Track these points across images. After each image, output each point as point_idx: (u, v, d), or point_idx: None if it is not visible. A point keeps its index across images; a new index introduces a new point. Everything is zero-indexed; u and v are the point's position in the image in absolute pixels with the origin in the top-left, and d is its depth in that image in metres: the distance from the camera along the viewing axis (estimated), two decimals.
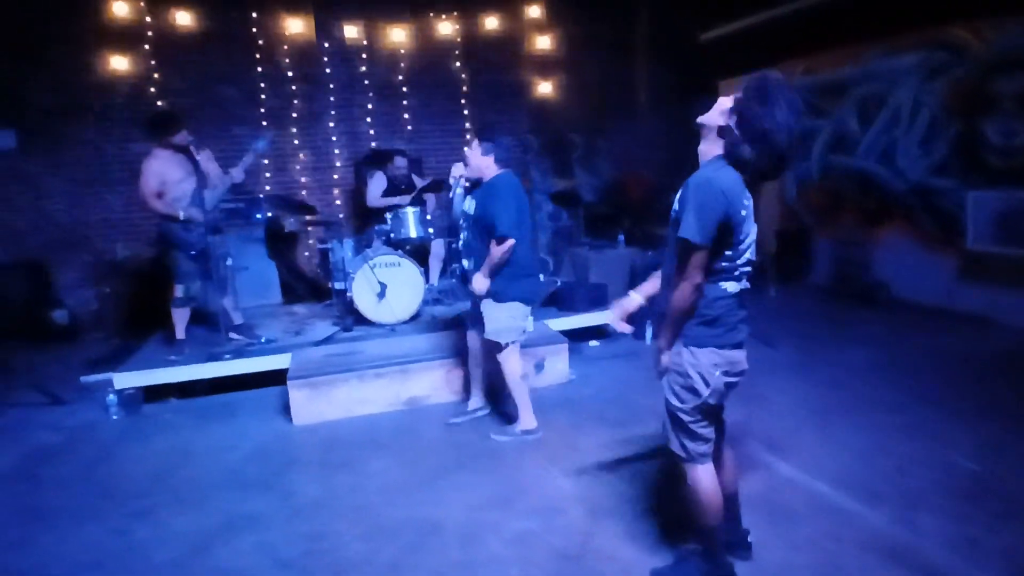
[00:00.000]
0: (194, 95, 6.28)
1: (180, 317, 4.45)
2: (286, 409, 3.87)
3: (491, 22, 7.09)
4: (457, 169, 3.45)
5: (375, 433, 3.63)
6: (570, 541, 2.49)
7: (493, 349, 3.39)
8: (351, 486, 3.02)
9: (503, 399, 3.71)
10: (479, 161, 3.29)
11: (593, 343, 5.11)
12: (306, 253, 6.86)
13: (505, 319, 3.30)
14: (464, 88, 7.19)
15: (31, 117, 5.93)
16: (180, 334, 4.46)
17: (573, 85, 7.49)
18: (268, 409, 4.08)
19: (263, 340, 4.61)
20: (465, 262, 3.46)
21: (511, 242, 3.15)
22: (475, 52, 7.11)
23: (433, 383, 4.05)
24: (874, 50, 5.86)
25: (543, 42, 7.28)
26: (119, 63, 6.08)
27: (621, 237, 6.08)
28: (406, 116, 7.08)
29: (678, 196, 1.92)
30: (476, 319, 3.46)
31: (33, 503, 3.02)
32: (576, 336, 4.85)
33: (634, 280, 5.20)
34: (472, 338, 3.59)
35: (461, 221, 3.49)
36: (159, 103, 6.10)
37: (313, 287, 6.37)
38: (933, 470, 2.86)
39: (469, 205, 3.39)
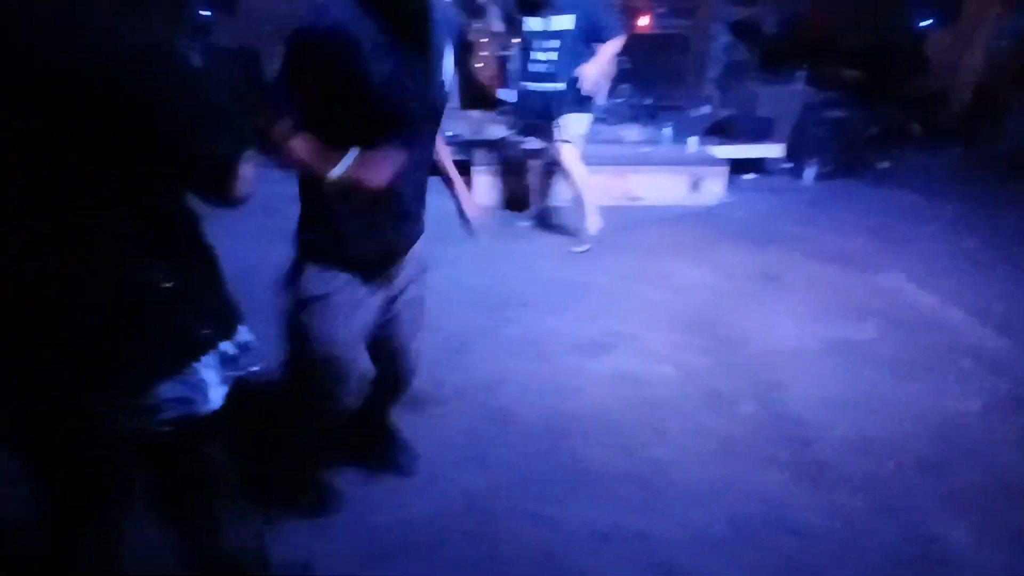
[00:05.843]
0: None
1: None
2: None
3: None
4: None
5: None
6: (697, 312, 2.98)
7: (566, 157, 3.54)
8: (525, 259, 3.65)
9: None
10: None
11: (749, 175, 5.16)
12: (479, 64, 7.15)
13: (585, 127, 3.52)
14: None
15: None
16: None
17: None
18: None
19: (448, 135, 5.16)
20: (555, 84, 3.39)
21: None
22: None
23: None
24: None
25: None
26: None
27: (800, 74, 5.74)
28: None
29: None
30: (546, 133, 3.59)
31: None
32: (735, 168, 4.89)
33: (804, 116, 5.09)
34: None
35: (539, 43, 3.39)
36: None
37: (486, 95, 6.74)
38: None
39: (547, 24, 3.34)
